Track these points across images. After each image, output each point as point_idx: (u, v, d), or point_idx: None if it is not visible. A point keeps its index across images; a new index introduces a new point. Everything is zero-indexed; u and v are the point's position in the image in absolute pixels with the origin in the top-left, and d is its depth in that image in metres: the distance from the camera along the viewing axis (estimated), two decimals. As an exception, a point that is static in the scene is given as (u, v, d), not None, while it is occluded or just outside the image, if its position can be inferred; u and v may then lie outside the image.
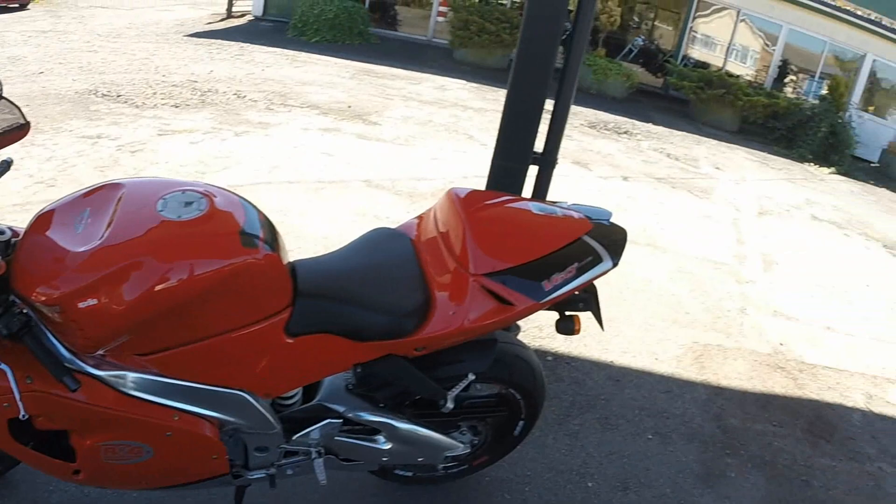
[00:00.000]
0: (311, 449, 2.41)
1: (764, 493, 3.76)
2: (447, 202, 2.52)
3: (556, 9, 3.80)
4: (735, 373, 4.95)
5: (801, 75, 20.08)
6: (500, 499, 3.23)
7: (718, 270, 6.85)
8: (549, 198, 4.31)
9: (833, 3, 18.20)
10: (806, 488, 3.89)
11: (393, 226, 2.68)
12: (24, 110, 1.99)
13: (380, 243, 2.48)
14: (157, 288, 1.81)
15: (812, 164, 15.23)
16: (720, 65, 19.42)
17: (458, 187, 2.59)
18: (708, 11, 19.61)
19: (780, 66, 19.44)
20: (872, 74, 19.05)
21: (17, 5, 15.06)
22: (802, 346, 5.66)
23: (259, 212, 2.16)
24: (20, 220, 2.06)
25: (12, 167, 2.03)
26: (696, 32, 20.07)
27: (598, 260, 2.49)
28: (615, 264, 2.55)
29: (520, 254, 2.34)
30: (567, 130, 4.29)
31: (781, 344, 5.59)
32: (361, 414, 2.43)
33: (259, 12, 18.03)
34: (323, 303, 2.15)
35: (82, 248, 1.81)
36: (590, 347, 4.72)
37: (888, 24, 18.31)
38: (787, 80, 19.89)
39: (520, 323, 4.43)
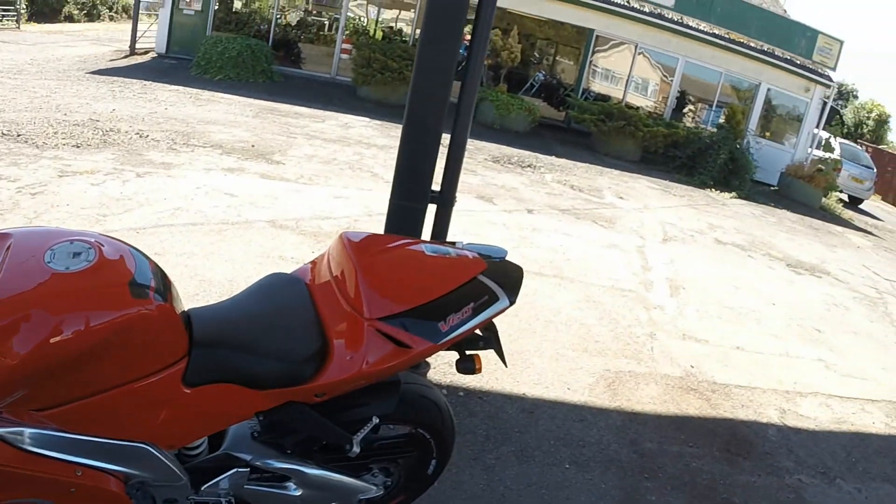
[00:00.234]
0: (220, 499, 2.35)
1: (683, 515, 3.80)
2: (339, 246, 2.51)
3: (450, 38, 3.81)
4: (648, 397, 5.00)
5: (699, 105, 20.86)
6: (418, 539, 3.16)
7: (626, 298, 6.95)
8: (451, 234, 4.31)
9: (727, 35, 18.94)
10: (725, 507, 3.95)
11: (297, 266, 2.62)
12: None
13: (275, 289, 2.45)
14: (49, 342, 1.77)
15: (713, 189, 15.76)
16: (620, 97, 20.02)
17: (351, 231, 2.58)
18: (606, 46, 20.18)
19: (678, 97, 20.15)
20: (767, 102, 19.94)
21: None
22: (713, 367, 5.78)
23: (150, 261, 2.13)
24: None
25: None
26: (595, 66, 20.62)
27: (494, 298, 2.51)
28: (512, 302, 2.57)
29: (414, 296, 2.34)
30: (471, 165, 4.30)
31: (692, 366, 5.69)
32: (269, 461, 2.39)
33: (162, 49, 17.80)
34: (219, 352, 2.11)
35: None
36: (501, 381, 4.70)
37: (780, 55, 19.16)
38: (685, 110, 20.63)
39: (429, 360, 4.39)
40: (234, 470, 2.32)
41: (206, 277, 5.21)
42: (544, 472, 3.85)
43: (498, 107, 17.05)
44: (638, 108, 19.26)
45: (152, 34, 18.78)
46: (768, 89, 19.68)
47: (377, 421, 2.47)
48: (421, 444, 2.78)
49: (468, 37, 4.28)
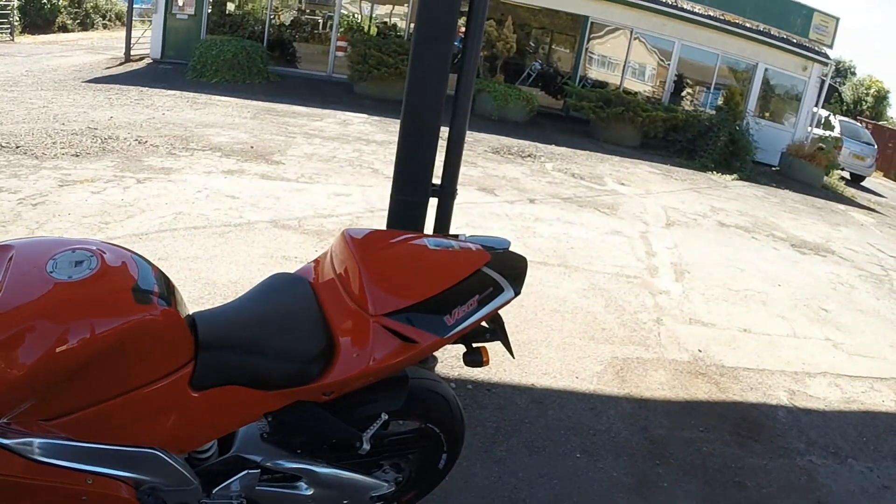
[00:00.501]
0: (232, 501, 2.35)
1: (698, 498, 3.80)
2: (342, 244, 2.51)
3: (445, 31, 3.79)
4: (657, 383, 5.00)
5: (697, 88, 20.81)
6: (431, 534, 3.16)
7: (631, 284, 6.94)
8: (453, 227, 4.30)
9: (722, 17, 18.88)
10: (740, 490, 3.95)
11: (301, 265, 2.64)
12: None
13: (279, 289, 2.44)
14: (55, 351, 1.77)
15: (714, 172, 15.72)
16: (618, 83, 19.96)
17: (353, 228, 2.58)
18: (602, 32, 20.13)
19: (675, 81, 20.09)
20: (765, 82, 19.87)
21: None
22: (721, 351, 5.77)
23: (153, 266, 2.13)
24: None
25: None
26: (592, 53, 20.57)
27: (499, 290, 2.51)
28: (517, 293, 2.57)
29: (418, 291, 2.34)
30: (471, 157, 4.30)
31: (700, 351, 5.68)
32: (279, 462, 2.39)
33: (157, 55, 17.79)
34: (225, 354, 2.11)
35: None
36: (509, 372, 4.70)
37: (776, 34, 19.09)
38: (683, 93, 20.58)
39: (437, 354, 4.39)
40: (245, 472, 2.33)
41: (210, 280, 5.22)
42: (555, 462, 3.84)
43: (495, 97, 16.99)
44: (636, 93, 19.20)
45: (147, 40, 18.78)
46: (766, 69, 19.61)
47: (386, 417, 2.47)
48: (431, 439, 2.78)
49: (463, 29, 4.28)
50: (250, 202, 7.25)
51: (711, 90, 20.16)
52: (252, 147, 9.75)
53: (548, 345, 5.25)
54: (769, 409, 4.98)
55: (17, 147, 7.96)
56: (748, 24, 19.08)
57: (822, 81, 19.82)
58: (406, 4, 21.22)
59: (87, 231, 5.73)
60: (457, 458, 2.92)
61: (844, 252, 10.68)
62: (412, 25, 17.82)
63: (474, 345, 2.65)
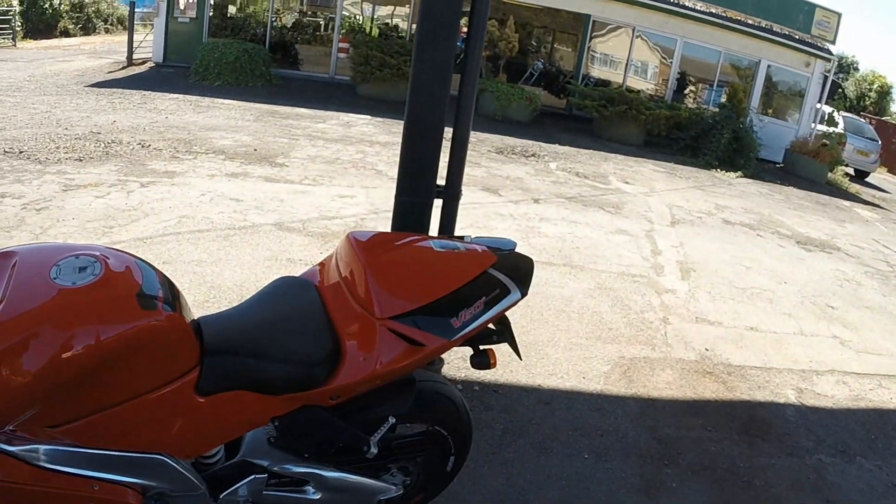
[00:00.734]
0: None
1: (707, 498, 3.78)
2: (347, 246, 2.50)
3: (447, 31, 3.78)
4: (664, 383, 4.98)
5: (699, 85, 20.76)
6: (440, 537, 3.14)
7: (637, 283, 6.92)
8: (458, 228, 4.29)
9: (724, 14, 18.85)
10: (748, 489, 3.93)
11: (306, 268, 2.62)
12: None
13: (285, 293, 2.44)
14: (59, 358, 1.77)
15: (719, 170, 15.69)
16: (620, 81, 19.93)
17: (358, 230, 2.57)
18: (604, 31, 20.11)
19: (678, 79, 20.06)
20: (768, 79, 19.83)
21: None
22: (728, 349, 5.75)
23: (157, 271, 2.12)
24: None
25: None
26: (594, 52, 20.54)
27: (505, 292, 2.51)
28: (524, 295, 2.57)
29: (424, 293, 2.33)
30: (475, 157, 4.28)
31: (707, 350, 5.66)
32: (287, 466, 2.39)
33: (160, 59, 17.82)
34: (231, 359, 2.11)
35: None
36: (516, 373, 4.68)
37: (779, 31, 19.06)
38: (686, 91, 20.53)
39: (443, 356, 4.37)
40: (252, 476, 2.32)
41: (215, 284, 5.21)
42: (563, 464, 3.82)
43: (498, 97, 16.98)
44: (639, 91, 19.19)
45: (149, 44, 18.83)
46: (768, 66, 19.57)
47: (393, 420, 2.46)
48: (438, 442, 2.77)
49: (465, 30, 4.26)
50: (254, 205, 7.24)
51: (714, 87, 20.13)
52: (255, 150, 9.75)
53: (554, 345, 5.24)
54: (777, 407, 4.95)
55: (21, 152, 7.97)
56: (750, 21, 19.03)
57: (825, 77, 19.77)
58: (408, 5, 21.22)
59: (90, 236, 5.73)
60: (465, 461, 2.91)
61: (850, 249, 10.65)
62: (414, 26, 17.90)
63: (481, 347, 2.63)
